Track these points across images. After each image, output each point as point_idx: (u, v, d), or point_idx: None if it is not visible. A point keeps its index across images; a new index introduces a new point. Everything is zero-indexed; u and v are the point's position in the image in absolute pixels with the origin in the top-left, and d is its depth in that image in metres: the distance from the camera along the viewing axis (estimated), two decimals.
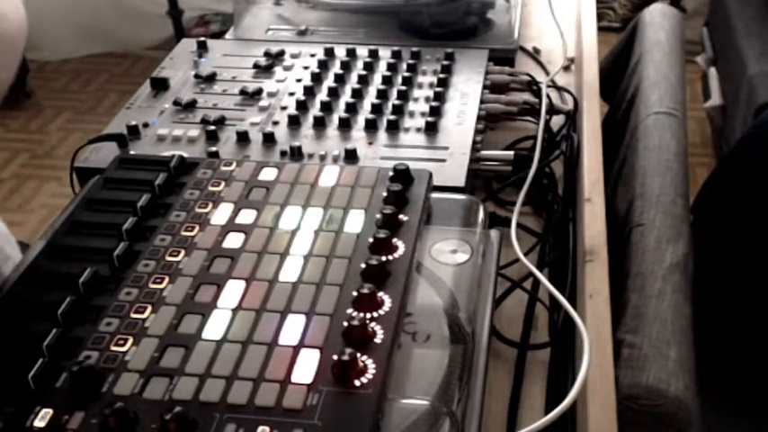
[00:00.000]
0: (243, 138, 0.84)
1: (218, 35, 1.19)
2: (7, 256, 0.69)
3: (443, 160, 0.80)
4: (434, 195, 0.71)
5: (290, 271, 0.60)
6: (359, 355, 0.51)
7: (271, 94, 0.93)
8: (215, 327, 0.55)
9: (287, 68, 0.98)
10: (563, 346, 0.69)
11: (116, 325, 0.55)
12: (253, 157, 0.82)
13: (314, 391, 0.50)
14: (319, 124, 0.87)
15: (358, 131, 0.86)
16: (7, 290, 0.59)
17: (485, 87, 0.94)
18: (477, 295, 0.64)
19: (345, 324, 0.54)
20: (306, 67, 0.98)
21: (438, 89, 0.91)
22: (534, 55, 1.15)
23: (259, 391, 0.50)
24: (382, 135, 0.85)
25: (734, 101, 1.98)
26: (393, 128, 0.85)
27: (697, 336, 0.77)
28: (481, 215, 0.71)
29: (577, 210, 0.83)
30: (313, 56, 1.00)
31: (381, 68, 0.97)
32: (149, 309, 0.57)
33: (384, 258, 0.60)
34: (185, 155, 0.74)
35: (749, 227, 1.17)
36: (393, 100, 0.90)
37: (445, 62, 0.97)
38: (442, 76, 0.94)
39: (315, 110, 0.89)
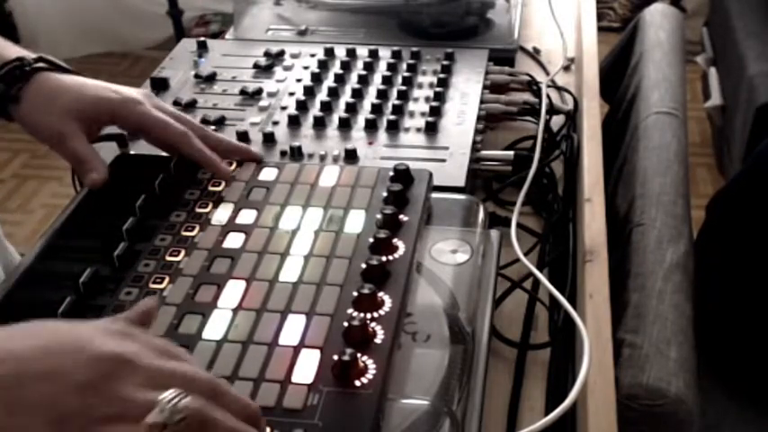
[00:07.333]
0: (243, 138, 0.84)
1: (218, 35, 1.19)
2: None
3: (443, 160, 0.80)
4: (434, 195, 0.71)
5: (291, 271, 0.60)
6: (359, 355, 0.51)
7: (271, 94, 0.93)
8: (215, 327, 0.55)
9: (287, 68, 0.98)
10: (563, 346, 0.69)
11: None
12: None
13: (314, 392, 0.50)
14: (319, 124, 0.86)
15: (358, 131, 0.86)
16: (7, 290, 0.59)
17: (485, 87, 0.94)
18: (477, 295, 0.64)
19: (346, 324, 0.54)
20: (306, 67, 0.98)
21: (438, 89, 0.91)
22: (534, 55, 1.15)
23: (259, 391, 0.50)
24: (382, 135, 0.85)
25: (734, 101, 1.99)
26: (393, 128, 0.85)
27: (698, 335, 0.77)
28: (481, 215, 0.71)
29: (577, 210, 0.83)
30: (313, 56, 1.00)
31: (381, 68, 0.97)
32: None
33: (384, 258, 0.60)
34: None
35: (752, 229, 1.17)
36: (393, 100, 0.90)
37: (445, 62, 0.97)
38: (442, 76, 0.94)
39: (315, 110, 0.89)
